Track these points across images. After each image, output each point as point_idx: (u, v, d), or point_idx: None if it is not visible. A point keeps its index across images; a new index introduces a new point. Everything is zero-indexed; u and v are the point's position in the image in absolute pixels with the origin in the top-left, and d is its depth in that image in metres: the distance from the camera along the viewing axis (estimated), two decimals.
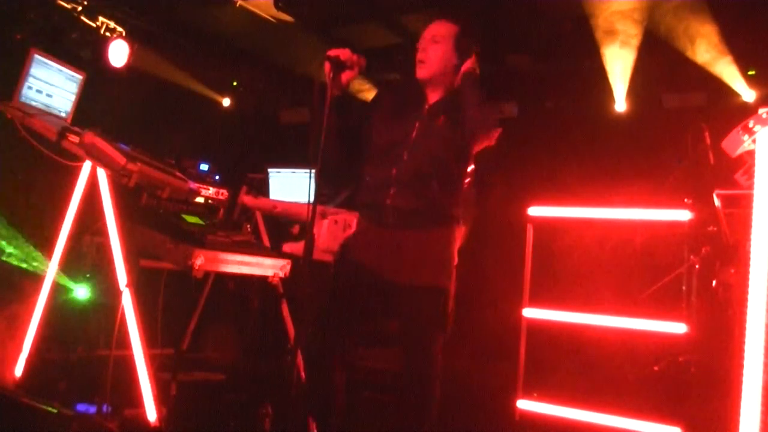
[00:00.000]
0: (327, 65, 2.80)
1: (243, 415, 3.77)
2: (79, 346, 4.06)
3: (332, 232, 2.86)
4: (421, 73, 2.97)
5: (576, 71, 6.90)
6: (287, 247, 3.52)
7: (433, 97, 3.01)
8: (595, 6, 6.25)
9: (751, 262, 2.67)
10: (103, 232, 3.58)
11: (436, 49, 2.95)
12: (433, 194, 2.88)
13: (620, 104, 7.09)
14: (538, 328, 4.39)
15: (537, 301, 4.37)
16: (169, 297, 3.81)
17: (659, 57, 6.57)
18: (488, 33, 6.73)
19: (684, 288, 4.71)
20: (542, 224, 4.48)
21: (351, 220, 2.91)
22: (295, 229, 3.74)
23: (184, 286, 4.12)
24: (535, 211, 4.49)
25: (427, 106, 3.00)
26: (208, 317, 4.86)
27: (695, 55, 6.38)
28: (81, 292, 4.07)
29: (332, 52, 2.82)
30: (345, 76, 2.85)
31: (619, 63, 6.78)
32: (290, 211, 3.66)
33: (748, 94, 6.60)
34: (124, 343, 3.36)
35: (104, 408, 3.30)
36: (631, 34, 6.49)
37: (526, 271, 4.36)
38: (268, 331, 4.99)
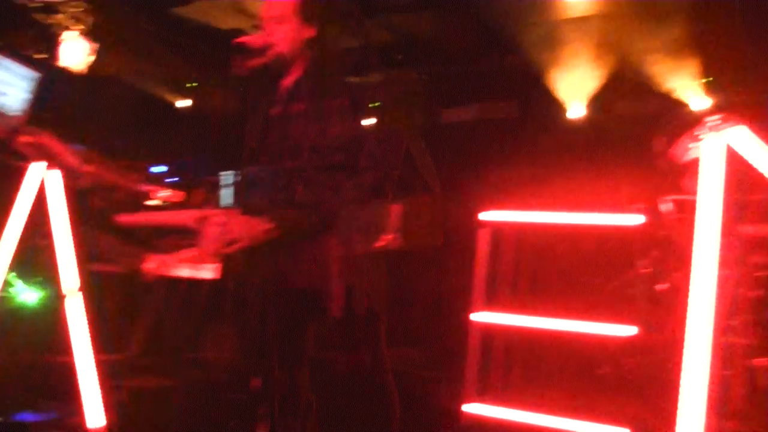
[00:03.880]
0: (233, 56, 2.64)
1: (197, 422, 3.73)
2: (29, 352, 3.99)
3: (216, 235, 2.72)
4: (273, 56, 2.73)
5: (532, 77, 6.99)
6: (182, 256, 3.43)
7: (290, 78, 2.82)
8: (551, 14, 6.34)
9: (697, 266, 2.72)
10: (51, 235, 3.52)
11: (282, 28, 2.74)
12: (296, 194, 2.72)
13: (575, 110, 7.20)
14: (490, 332, 4.41)
15: (489, 305, 4.39)
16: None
17: (615, 64, 6.70)
18: (452, 36, 6.80)
19: (635, 291, 4.79)
20: (495, 229, 4.50)
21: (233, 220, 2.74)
22: (173, 239, 3.64)
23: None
24: (487, 215, 4.51)
25: (283, 91, 2.82)
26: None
27: (650, 63, 6.50)
28: (29, 296, 4.00)
29: (240, 39, 2.68)
30: (254, 62, 2.68)
31: (575, 70, 6.88)
32: (168, 221, 3.59)
33: (698, 102, 6.76)
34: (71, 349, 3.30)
35: (51, 415, 3.25)
36: (588, 42, 6.60)
37: (478, 275, 4.38)
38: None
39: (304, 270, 2.75)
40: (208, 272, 3.30)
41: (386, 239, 4.58)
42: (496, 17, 6.29)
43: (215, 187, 5.32)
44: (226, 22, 6.30)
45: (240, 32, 6.18)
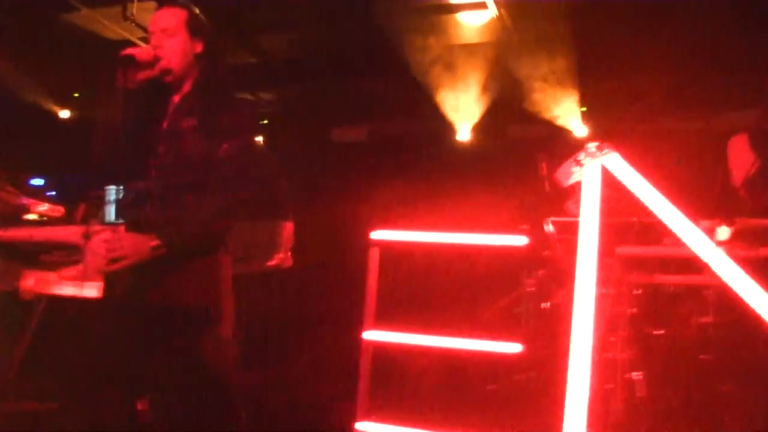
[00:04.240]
0: (119, 67, 2.60)
1: None
2: None
3: (101, 252, 2.65)
4: (161, 70, 2.71)
5: (427, 99, 7.15)
6: (66, 273, 3.31)
7: (180, 94, 2.80)
8: (446, 40, 6.51)
9: (578, 285, 2.84)
10: None
11: (171, 42, 2.72)
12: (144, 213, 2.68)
13: (467, 133, 7.42)
14: (382, 351, 4.45)
15: (381, 323, 4.43)
16: None
17: (503, 92, 6.95)
18: (337, 56, 6.86)
19: (520, 309, 4.96)
20: (387, 248, 4.55)
21: (119, 236, 2.66)
22: (56, 255, 3.51)
23: None
24: (379, 234, 4.55)
25: (173, 106, 2.79)
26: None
27: (536, 92, 6.80)
28: None
29: (126, 51, 2.63)
30: (141, 75, 2.65)
31: (469, 93, 7.09)
32: (51, 237, 3.46)
33: (580, 129, 7.12)
34: None
35: None
36: (481, 68, 6.82)
37: (370, 293, 4.42)
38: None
39: (194, 289, 2.69)
40: (91, 290, 3.18)
41: (279, 258, 4.57)
42: (389, 38, 6.40)
43: (99, 201, 5.11)
44: (114, 31, 6.11)
45: (128, 43, 6.05)
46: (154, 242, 2.55)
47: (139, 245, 2.55)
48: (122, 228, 2.68)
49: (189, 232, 2.63)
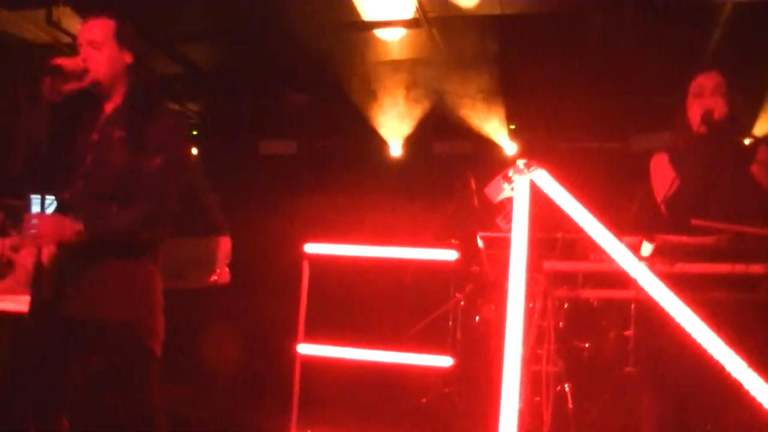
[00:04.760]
0: (46, 77, 2.54)
1: None
2: None
3: (29, 264, 2.58)
4: (90, 82, 2.67)
5: (354, 114, 7.17)
6: None
7: (110, 105, 2.76)
8: (371, 56, 6.56)
9: (508, 299, 2.89)
10: None
11: (98, 54, 2.69)
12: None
13: (395, 149, 7.48)
14: (314, 364, 4.43)
15: (313, 336, 4.41)
16: None
17: (431, 108, 7.04)
18: (266, 68, 6.82)
19: (450, 323, 5.01)
20: (318, 261, 4.54)
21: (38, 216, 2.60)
22: None
23: None
24: (311, 248, 4.54)
25: (104, 117, 2.75)
26: None
27: (464, 109, 6.91)
28: None
29: (55, 61, 2.57)
30: (68, 86, 2.60)
31: (394, 111, 7.15)
32: None
33: (509, 146, 7.26)
34: None
35: None
36: (406, 85, 6.89)
37: (302, 307, 4.40)
38: None
39: (125, 303, 2.63)
40: (20, 305, 3.07)
41: (217, 273, 4.50)
42: (319, 52, 6.41)
43: (16, 211, 4.92)
44: (37, 36, 5.90)
45: (52, 48, 5.85)
46: (79, 226, 2.50)
47: (61, 225, 2.49)
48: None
49: (114, 226, 2.59)
